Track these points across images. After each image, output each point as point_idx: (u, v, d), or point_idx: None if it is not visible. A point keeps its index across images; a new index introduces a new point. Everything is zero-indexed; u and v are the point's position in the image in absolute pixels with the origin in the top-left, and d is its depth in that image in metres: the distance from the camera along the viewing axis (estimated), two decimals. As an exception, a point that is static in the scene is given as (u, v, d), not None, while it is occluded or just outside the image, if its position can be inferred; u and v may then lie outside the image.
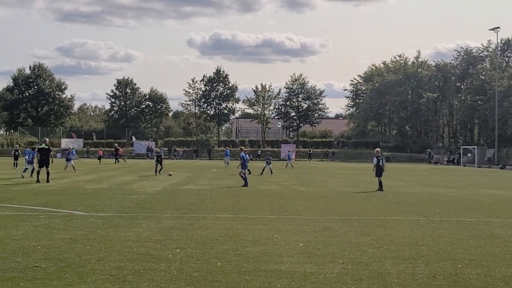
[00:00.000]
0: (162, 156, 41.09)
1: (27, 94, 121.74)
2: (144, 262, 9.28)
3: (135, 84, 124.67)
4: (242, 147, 33.59)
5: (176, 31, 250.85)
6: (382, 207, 19.16)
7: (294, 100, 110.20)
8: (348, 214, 16.69)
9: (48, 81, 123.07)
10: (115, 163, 61.58)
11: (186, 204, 18.99)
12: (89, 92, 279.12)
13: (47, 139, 32.72)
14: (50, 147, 30.05)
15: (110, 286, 7.73)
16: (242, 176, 28.47)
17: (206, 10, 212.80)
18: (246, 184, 27.80)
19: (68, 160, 40.06)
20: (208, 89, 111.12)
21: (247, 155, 30.10)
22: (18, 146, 50.38)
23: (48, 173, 28.51)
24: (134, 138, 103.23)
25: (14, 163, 43.50)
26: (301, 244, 11.27)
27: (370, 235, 12.66)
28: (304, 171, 49.12)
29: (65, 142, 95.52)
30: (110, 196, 21.50)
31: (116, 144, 73.92)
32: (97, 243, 10.95)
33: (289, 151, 66.28)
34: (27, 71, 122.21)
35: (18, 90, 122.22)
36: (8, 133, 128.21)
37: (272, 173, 39.76)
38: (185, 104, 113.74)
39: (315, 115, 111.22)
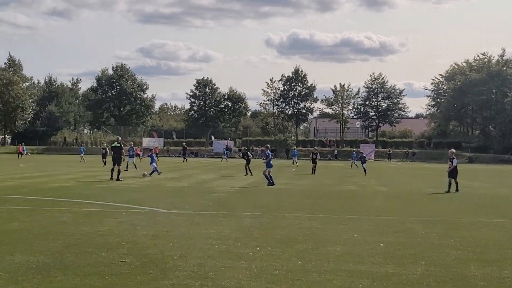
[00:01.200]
0: (250, 155, 39.89)
1: (110, 94, 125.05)
2: (225, 259, 9.36)
3: (214, 84, 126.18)
4: (268, 145, 33.34)
5: (254, 31, 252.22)
6: (464, 208, 18.69)
7: (373, 99, 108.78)
8: (429, 215, 16.35)
9: (130, 81, 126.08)
10: (183, 161, 62.26)
11: (265, 203, 19.06)
12: (169, 92, 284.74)
13: (119, 137, 33.38)
14: (122, 145, 30.73)
15: (193, 282, 7.84)
16: (266, 176, 27.35)
17: (284, 10, 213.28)
18: (270, 183, 26.75)
19: (130, 156, 39.59)
20: (286, 88, 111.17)
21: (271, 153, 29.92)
22: (105, 144, 51.96)
23: (119, 171, 29.12)
24: (213, 138, 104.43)
25: (103, 161, 45.24)
26: (382, 245, 11.12)
27: (453, 237, 12.35)
28: (384, 171, 48.44)
29: (146, 141, 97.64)
30: (191, 194, 21.83)
31: (184, 143, 75.04)
32: (179, 240, 11.13)
33: (353, 151, 66.39)
34: (110, 72, 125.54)
35: (101, 90, 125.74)
36: (92, 132, 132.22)
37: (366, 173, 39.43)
38: (263, 103, 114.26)
39: (395, 114, 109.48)
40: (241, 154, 41.33)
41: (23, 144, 78.39)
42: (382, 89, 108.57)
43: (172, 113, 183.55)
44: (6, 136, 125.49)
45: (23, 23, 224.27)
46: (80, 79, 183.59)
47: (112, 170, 29.39)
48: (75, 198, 19.32)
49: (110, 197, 19.94)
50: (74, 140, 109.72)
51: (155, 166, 33.75)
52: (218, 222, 13.74)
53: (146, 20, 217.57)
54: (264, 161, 28.33)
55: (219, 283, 7.86)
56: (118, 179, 28.55)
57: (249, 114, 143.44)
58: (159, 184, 27.02)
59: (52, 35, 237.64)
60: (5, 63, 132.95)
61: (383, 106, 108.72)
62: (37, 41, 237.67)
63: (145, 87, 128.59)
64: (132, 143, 48.04)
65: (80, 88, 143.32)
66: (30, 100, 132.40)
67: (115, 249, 9.98)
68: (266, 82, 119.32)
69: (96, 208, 16.40)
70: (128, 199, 19.28)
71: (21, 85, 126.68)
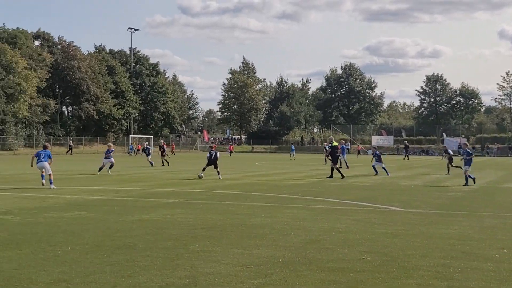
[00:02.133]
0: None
1: (339, 93, 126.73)
2: (469, 260, 8.96)
3: (445, 80, 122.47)
4: (342, 140, 30.90)
5: (486, 23, 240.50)
6: None
7: None
8: None
9: (358, 80, 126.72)
10: (403, 159, 60.70)
11: (507, 203, 18.02)
12: (397, 90, 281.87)
13: (332, 137, 33.47)
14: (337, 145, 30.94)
15: (438, 282, 7.60)
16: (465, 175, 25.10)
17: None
18: (468, 183, 24.66)
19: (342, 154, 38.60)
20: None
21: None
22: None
23: (332, 169, 29.33)
24: (444, 135, 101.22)
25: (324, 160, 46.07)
26: None
27: None
28: None
29: (375, 139, 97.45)
30: (425, 192, 21.32)
31: (406, 141, 73.33)
32: (418, 239, 10.88)
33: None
34: (339, 71, 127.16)
35: (330, 89, 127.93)
36: (321, 131, 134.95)
37: None
38: (498, 98, 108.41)
39: None
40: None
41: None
42: None
43: (400, 111, 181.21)
44: (242, 135, 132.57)
45: (255, 28, 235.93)
46: (310, 79, 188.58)
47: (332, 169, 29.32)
48: (310, 195, 19.80)
49: (342, 194, 20.15)
50: (307, 139, 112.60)
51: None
52: (457, 222, 13.22)
53: (372, 18, 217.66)
54: (464, 158, 26.05)
55: (466, 284, 7.53)
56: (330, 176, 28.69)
57: (483, 110, 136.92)
58: (391, 182, 26.77)
59: (282, 37, 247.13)
60: (240, 67, 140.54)
61: None
62: (267, 44, 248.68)
63: (373, 85, 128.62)
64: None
65: (310, 88, 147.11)
66: (263, 101, 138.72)
67: (355, 246, 10.02)
68: (501, 76, 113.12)
69: (332, 206, 16.65)
70: (362, 197, 19.32)
71: (254, 87, 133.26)
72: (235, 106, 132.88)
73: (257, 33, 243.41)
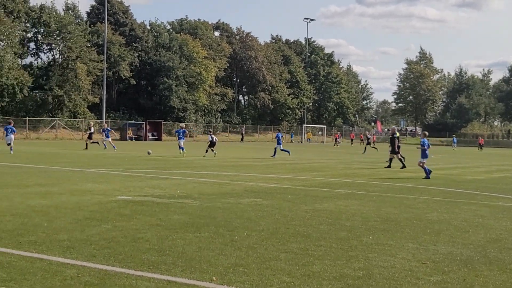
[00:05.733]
0: None
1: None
2: None
3: None
4: (425, 132, 27.32)
5: None
6: None
7: None
8: None
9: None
10: None
11: None
12: None
13: (395, 128, 32.08)
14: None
15: None
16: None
17: None
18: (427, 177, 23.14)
19: None
20: None
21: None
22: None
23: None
24: None
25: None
26: None
27: None
28: None
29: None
30: None
31: None
32: None
33: None
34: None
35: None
36: (502, 124, 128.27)
37: None
38: None
39: None
40: None
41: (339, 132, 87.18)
42: None
43: None
44: (417, 127, 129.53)
45: (433, 16, 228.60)
46: (491, 70, 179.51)
47: None
48: (490, 191, 18.86)
49: (527, 192, 18.97)
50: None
51: None
52: None
53: None
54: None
55: None
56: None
57: None
58: None
59: (461, 26, 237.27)
60: (416, 56, 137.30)
61: None
62: (446, 34, 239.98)
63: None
64: None
65: (491, 79, 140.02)
66: (440, 92, 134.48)
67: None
68: None
69: (514, 203, 15.74)
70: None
71: (431, 77, 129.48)
72: (411, 97, 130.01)
73: (435, 22, 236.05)
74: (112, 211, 11.79)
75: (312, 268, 7.58)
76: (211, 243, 8.88)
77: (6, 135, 34.21)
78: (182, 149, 36.20)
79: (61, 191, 15.00)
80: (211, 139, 35.21)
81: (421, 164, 24.21)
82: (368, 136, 56.13)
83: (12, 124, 35.32)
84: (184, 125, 40.72)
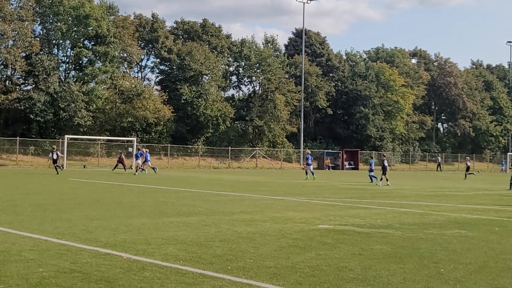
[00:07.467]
0: None
1: None
2: None
3: None
4: None
5: None
6: None
7: None
8: None
9: None
10: None
11: None
12: None
13: None
14: None
15: None
16: None
17: None
18: None
19: None
20: None
21: None
22: None
23: None
24: None
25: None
26: None
27: None
28: None
29: None
30: None
31: None
32: None
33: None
34: None
35: None
36: None
37: None
38: None
39: None
40: None
41: None
42: None
43: None
44: None
45: None
46: None
47: None
48: None
49: None
50: None
51: None
52: None
53: None
54: None
55: None
56: None
57: None
58: None
59: None
60: None
61: None
62: None
63: None
64: None
65: None
66: None
67: None
68: None
69: None
70: None
71: None
72: None
73: None
74: (314, 239, 11.97)
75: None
76: (416, 275, 8.68)
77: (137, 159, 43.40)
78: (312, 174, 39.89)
79: (264, 218, 15.51)
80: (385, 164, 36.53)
81: None
82: None
83: (142, 151, 43.53)
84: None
